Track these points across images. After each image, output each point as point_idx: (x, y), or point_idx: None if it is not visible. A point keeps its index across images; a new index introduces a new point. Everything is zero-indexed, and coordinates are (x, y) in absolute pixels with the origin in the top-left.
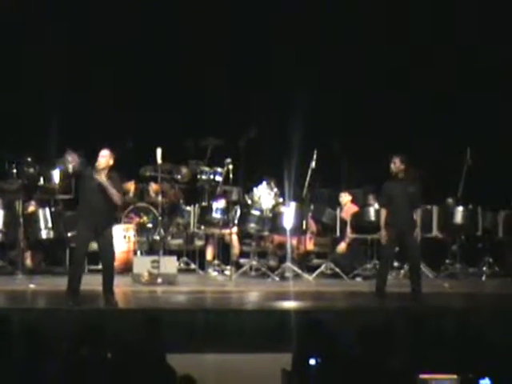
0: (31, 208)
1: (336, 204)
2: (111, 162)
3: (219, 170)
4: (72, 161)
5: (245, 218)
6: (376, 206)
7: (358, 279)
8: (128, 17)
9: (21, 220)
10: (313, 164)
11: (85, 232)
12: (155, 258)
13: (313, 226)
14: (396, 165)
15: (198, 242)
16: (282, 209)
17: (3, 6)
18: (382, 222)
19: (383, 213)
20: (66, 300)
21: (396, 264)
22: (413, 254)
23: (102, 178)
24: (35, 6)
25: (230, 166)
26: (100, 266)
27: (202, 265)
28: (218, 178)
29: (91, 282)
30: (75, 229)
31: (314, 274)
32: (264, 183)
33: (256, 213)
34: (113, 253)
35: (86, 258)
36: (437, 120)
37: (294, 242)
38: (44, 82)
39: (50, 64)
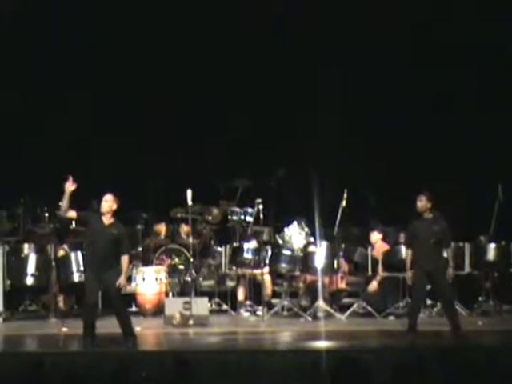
0: (62, 251)
1: (367, 242)
2: (114, 207)
3: (250, 210)
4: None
5: (276, 258)
6: None
7: (391, 318)
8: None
9: (53, 264)
10: (343, 203)
11: (92, 276)
12: (187, 299)
13: (344, 265)
14: (422, 203)
15: (230, 283)
16: (313, 248)
17: None
18: (408, 263)
19: (409, 253)
20: (84, 343)
21: (429, 302)
22: (443, 293)
23: (123, 281)
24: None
25: (261, 206)
26: (130, 308)
27: (234, 305)
28: (249, 219)
29: None
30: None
31: (347, 314)
32: (295, 223)
33: (287, 253)
34: (119, 296)
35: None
36: (467, 157)
37: (326, 281)
38: (72, 125)
39: (76, 108)
